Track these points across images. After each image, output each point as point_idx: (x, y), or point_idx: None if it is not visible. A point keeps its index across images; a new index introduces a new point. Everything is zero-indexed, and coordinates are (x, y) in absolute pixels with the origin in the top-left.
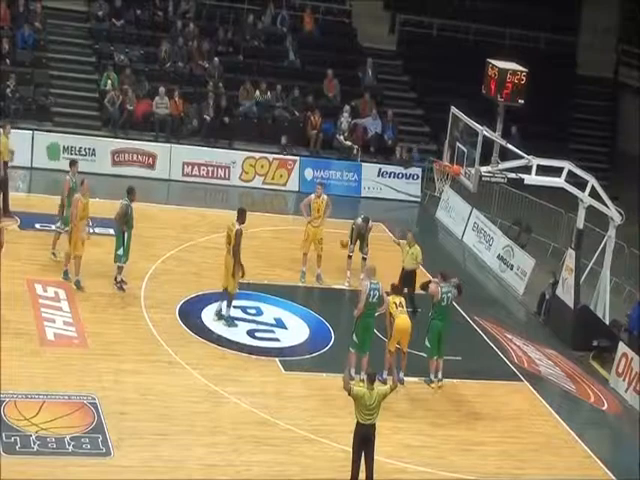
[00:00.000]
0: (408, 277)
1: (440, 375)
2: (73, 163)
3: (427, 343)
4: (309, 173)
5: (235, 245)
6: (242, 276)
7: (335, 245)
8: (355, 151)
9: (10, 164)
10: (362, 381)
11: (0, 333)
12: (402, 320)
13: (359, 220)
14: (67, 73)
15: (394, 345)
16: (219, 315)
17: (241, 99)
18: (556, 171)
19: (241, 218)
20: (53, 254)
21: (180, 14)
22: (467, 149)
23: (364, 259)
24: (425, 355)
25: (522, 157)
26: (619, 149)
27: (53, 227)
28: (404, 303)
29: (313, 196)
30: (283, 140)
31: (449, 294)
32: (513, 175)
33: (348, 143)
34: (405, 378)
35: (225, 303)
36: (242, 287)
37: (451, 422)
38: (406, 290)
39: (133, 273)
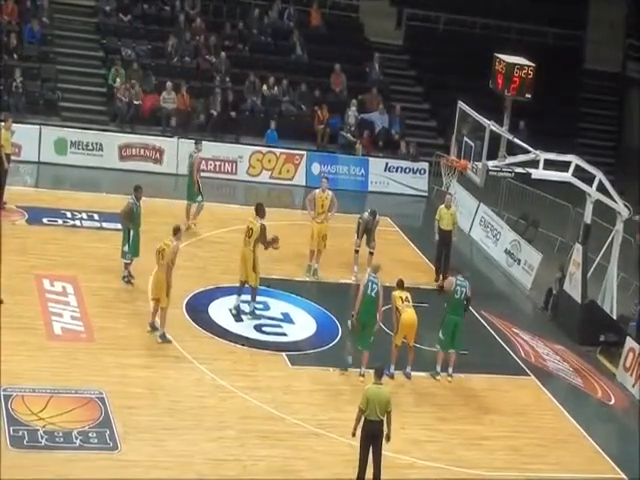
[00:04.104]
0: (445, 238)
1: (451, 370)
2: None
3: (441, 335)
4: (316, 168)
5: (262, 239)
6: (277, 247)
7: (342, 240)
8: (357, 144)
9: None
10: (362, 375)
11: (0, 326)
12: (408, 315)
13: (366, 214)
14: (74, 68)
15: (400, 339)
16: (237, 310)
17: (246, 93)
18: (563, 165)
19: (261, 213)
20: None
21: (187, 9)
22: (474, 143)
23: (371, 254)
24: (438, 347)
25: (529, 151)
26: (625, 143)
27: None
28: (410, 298)
29: (318, 191)
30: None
31: (463, 287)
32: (520, 169)
33: (353, 139)
34: (412, 373)
35: (240, 297)
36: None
37: (458, 417)
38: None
39: (140, 268)
